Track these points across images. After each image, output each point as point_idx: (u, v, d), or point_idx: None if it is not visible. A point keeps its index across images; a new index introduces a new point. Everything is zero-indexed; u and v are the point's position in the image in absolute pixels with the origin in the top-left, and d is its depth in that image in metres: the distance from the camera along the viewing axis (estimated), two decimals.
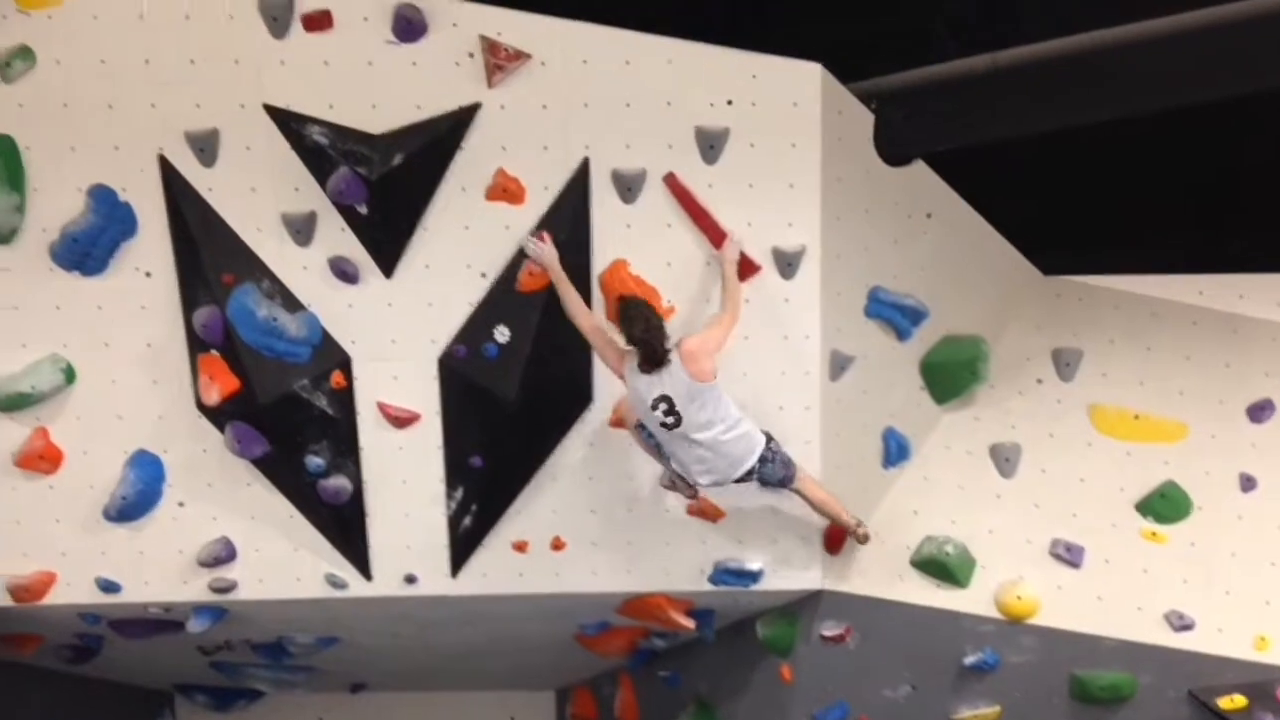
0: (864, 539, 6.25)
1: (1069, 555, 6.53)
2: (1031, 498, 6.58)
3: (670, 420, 5.55)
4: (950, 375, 6.51)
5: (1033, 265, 6.54)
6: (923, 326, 6.43)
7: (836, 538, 6.49)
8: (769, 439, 5.81)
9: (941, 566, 6.51)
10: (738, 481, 5.82)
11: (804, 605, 6.71)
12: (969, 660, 6.66)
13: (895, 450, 6.56)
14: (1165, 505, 6.49)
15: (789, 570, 6.50)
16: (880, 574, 6.58)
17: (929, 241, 6.30)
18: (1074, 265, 6.51)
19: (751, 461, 5.75)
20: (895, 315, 6.33)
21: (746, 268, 5.93)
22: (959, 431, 6.62)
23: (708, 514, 6.34)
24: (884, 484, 6.62)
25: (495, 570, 6.44)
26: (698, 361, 5.49)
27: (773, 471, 5.83)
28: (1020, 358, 6.56)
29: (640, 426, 5.85)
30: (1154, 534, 6.52)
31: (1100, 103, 5.64)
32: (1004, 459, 6.58)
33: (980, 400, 6.61)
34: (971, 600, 6.56)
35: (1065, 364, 6.54)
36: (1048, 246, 6.52)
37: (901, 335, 6.42)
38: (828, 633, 6.71)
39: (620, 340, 5.62)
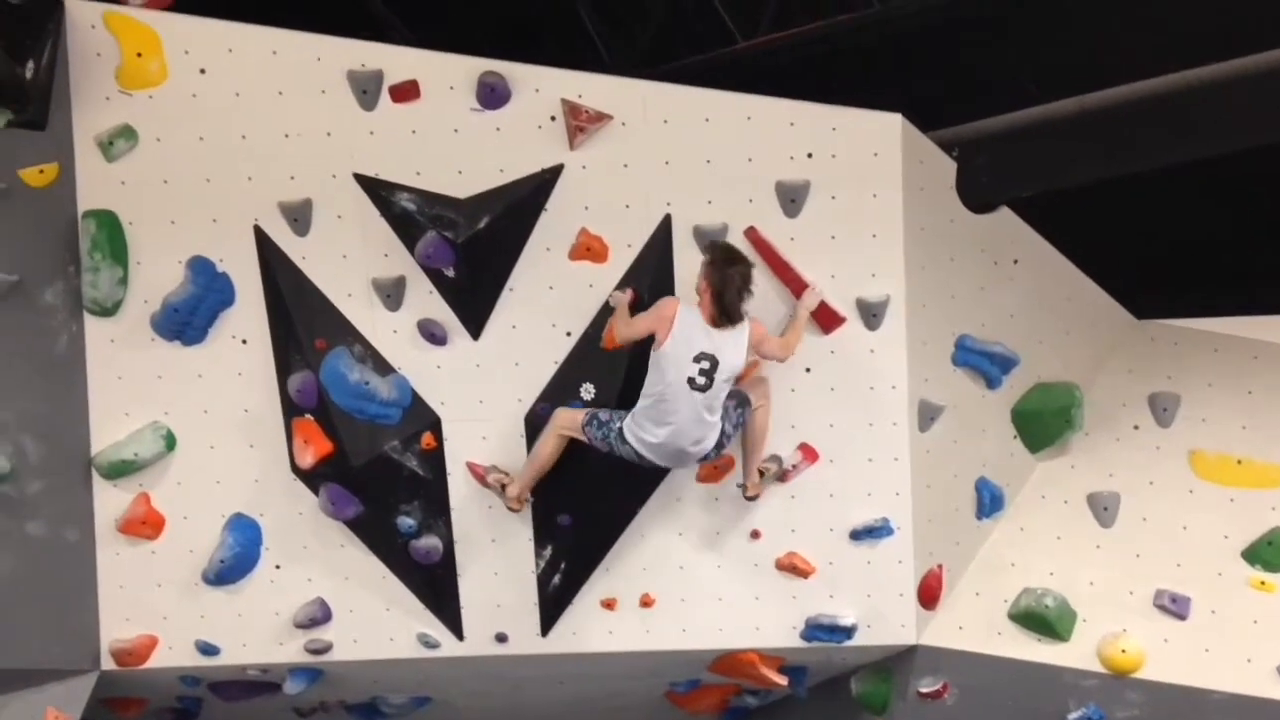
0: (752, 498, 5.99)
1: (1174, 606, 6.34)
2: (1133, 547, 6.40)
3: (703, 381, 5.42)
4: (1043, 423, 6.40)
5: (1125, 309, 6.44)
6: (1013, 374, 6.34)
7: (931, 592, 6.38)
8: (723, 421, 5.65)
9: (1041, 620, 6.35)
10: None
11: (899, 661, 6.58)
12: (1073, 716, 6.47)
13: (989, 501, 6.44)
14: (1273, 553, 6.27)
15: (883, 625, 6.38)
16: (977, 628, 6.44)
17: (1017, 288, 6.23)
18: (1168, 308, 6.39)
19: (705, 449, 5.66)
20: (984, 363, 6.26)
21: (831, 319, 5.91)
22: (1055, 480, 6.49)
23: (798, 569, 6.27)
24: (978, 536, 6.51)
25: (585, 628, 6.43)
26: (755, 348, 5.52)
27: (732, 428, 5.71)
28: (1116, 404, 6.43)
29: (592, 424, 5.69)
30: (1263, 583, 6.30)
31: (1191, 142, 5.55)
32: (1102, 508, 6.43)
33: (1075, 448, 6.48)
34: (1073, 654, 6.39)
35: (1163, 409, 6.39)
36: (1140, 290, 6.41)
37: (991, 383, 6.33)
38: (924, 689, 6.58)
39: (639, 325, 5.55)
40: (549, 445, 5.85)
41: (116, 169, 5.73)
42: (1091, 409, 6.42)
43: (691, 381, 5.43)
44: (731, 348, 5.45)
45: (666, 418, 5.53)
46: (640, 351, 5.83)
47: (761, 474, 6.00)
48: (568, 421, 5.82)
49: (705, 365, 5.41)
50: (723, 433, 5.68)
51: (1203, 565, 6.34)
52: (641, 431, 5.60)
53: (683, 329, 5.43)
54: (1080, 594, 6.39)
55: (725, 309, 5.42)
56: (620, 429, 5.65)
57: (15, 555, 5.94)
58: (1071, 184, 5.91)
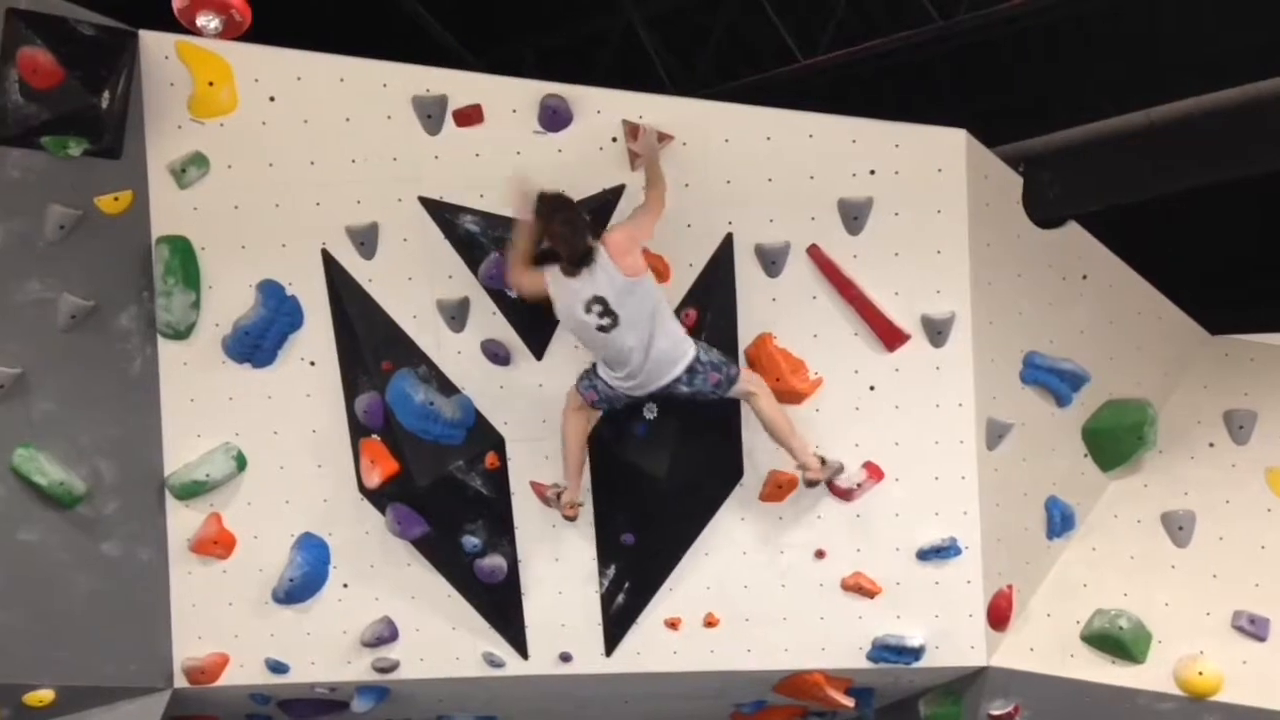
0: (812, 483, 5.80)
1: (1253, 628, 6.19)
2: (1209, 567, 6.26)
3: (606, 321, 5.28)
4: (1115, 441, 6.29)
5: (1199, 324, 6.32)
6: (1083, 391, 6.24)
7: (1000, 612, 6.28)
8: (700, 350, 5.52)
9: (1115, 641, 6.23)
10: (664, 390, 5.49)
11: (969, 683, 6.47)
12: None
13: (1060, 520, 6.34)
14: None
15: (951, 646, 6.29)
16: (1049, 649, 6.33)
17: (1086, 304, 6.14)
18: (1243, 323, 6.26)
19: (678, 370, 5.45)
20: (1053, 380, 6.17)
21: (896, 336, 5.86)
22: (1127, 499, 6.37)
23: (865, 589, 6.21)
24: (1049, 556, 6.40)
25: (649, 648, 6.40)
26: (627, 255, 5.27)
27: (704, 383, 5.50)
28: (1190, 421, 6.31)
29: (581, 383, 5.64)
30: None
31: (1263, 154, 5.44)
32: (1177, 527, 6.29)
33: (1148, 466, 6.36)
34: (1149, 677, 6.25)
35: (1239, 426, 6.25)
36: (1214, 304, 6.29)
37: (1061, 401, 6.24)
38: (995, 712, 6.47)
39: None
40: (567, 428, 5.78)
41: (189, 196, 5.85)
42: (1165, 426, 6.30)
43: (601, 328, 5.31)
44: (604, 278, 5.27)
45: (614, 362, 5.45)
46: None
47: (823, 461, 5.81)
48: (570, 396, 5.76)
49: (599, 308, 5.28)
50: (699, 361, 5.47)
51: None
52: (609, 376, 5.53)
53: (560, 296, 5.35)
54: (1155, 615, 6.26)
55: (570, 258, 5.29)
56: (594, 367, 5.59)
57: (91, 575, 6.07)
58: (1141, 198, 5.83)
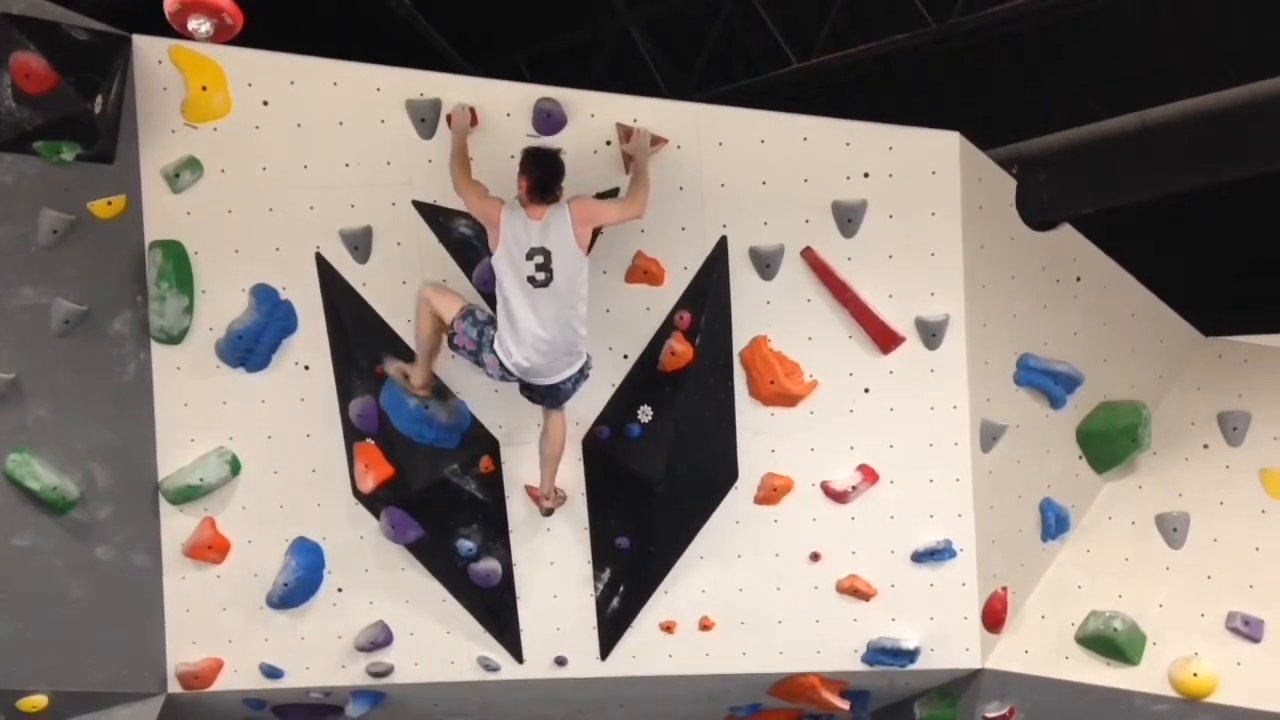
0: (546, 511, 6.00)
1: (1247, 629, 6.20)
2: (1203, 569, 6.28)
3: (541, 276, 5.19)
4: (1109, 443, 6.30)
5: (1192, 326, 6.33)
6: (1077, 393, 6.26)
7: (995, 615, 6.28)
8: (589, 361, 5.50)
9: (1110, 643, 6.24)
10: (552, 387, 5.45)
11: (964, 685, 6.49)
12: None
13: (1054, 522, 6.35)
14: None
15: (946, 648, 6.31)
16: (1044, 651, 6.34)
17: (1080, 306, 6.16)
18: (1237, 325, 6.27)
19: (573, 369, 5.43)
20: (1047, 383, 6.18)
21: (890, 339, 5.87)
22: (1122, 501, 6.39)
23: (860, 591, 6.21)
24: (1044, 558, 6.41)
25: (644, 651, 6.41)
26: (583, 224, 5.24)
27: (566, 396, 5.54)
28: (1184, 423, 6.33)
29: (467, 318, 5.49)
30: None
31: (1256, 156, 5.46)
32: (1172, 529, 6.31)
33: (1143, 468, 6.38)
34: (1144, 678, 6.27)
35: (1233, 428, 6.27)
36: (1207, 306, 6.31)
37: (1055, 403, 6.25)
38: (990, 714, 6.48)
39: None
40: (427, 325, 5.67)
41: (182, 200, 5.84)
42: (1159, 428, 6.32)
43: (532, 280, 5.23)
44: (557, 235, 5.24)
45: (520, 328, 5.29)
46: (698, 371, 5.85)
47: (556, 492, 5.98)
48: (441, 303, 5.60)
49: (540, 260, 5.20)
50: (589, 368, 5.48)
51: (1276, 587, 6.20)
52: (505, 352, 5.40)
53: (510, 232, 5.26)
54: (1150, 617, 6.28)
55: (538, 185, 5.22)
56: (494, 337, 5.45)
57: (85, 580, 6.07)
58: (1134, 200, 5.84)
